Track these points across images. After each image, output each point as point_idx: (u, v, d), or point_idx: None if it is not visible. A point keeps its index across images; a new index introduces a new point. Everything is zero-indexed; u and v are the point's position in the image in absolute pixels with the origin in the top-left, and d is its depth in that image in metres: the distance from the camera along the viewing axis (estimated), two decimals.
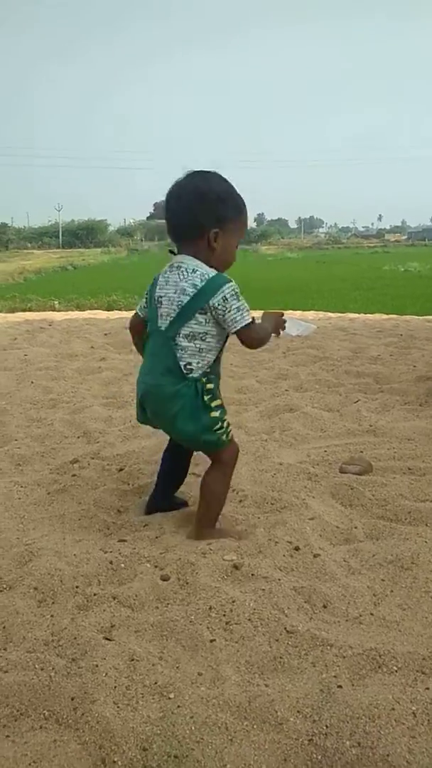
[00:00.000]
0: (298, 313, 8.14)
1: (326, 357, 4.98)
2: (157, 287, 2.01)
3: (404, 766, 1.17)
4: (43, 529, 2.18)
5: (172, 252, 2.05)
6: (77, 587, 1.78)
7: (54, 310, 9.33)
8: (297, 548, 1.96)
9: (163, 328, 1.97)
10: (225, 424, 2.03)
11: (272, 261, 26.81)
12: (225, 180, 2.02)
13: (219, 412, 2.00)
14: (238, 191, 2.04)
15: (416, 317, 7.67)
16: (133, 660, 1.46)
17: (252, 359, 5.02)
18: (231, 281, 1.94)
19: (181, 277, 1.94)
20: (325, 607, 1.69)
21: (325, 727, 1.26)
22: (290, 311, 8.23)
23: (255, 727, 1.28)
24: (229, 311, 1.91)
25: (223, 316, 1.92)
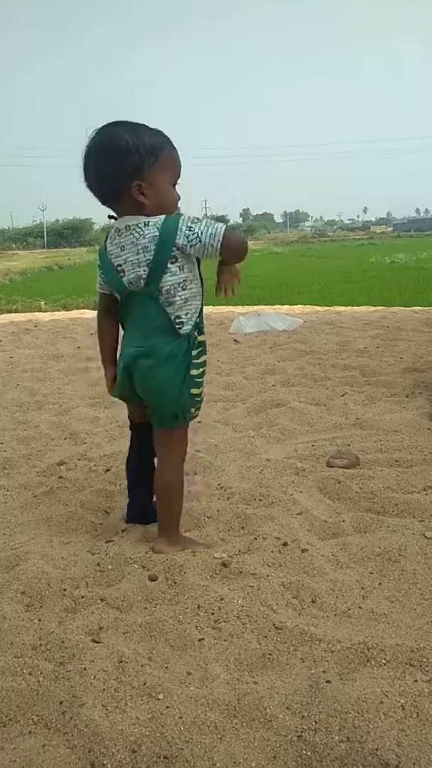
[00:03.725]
0: (285, 307, 8.15)
1: (313, 351, 4.98)
2: (112, 257, 1.87)
3: (393, 759, 1.17)
4: (29, 532, 2.17)
5: (112, 217, 1.90)
6: (65, 590, 1.77)
7: (40, 310, 9.28)
8: (285, 544, 1.96)
9: (139, 290, 1.85)
10: (201, 391, 1.94)
11: (258, 256, 26.79)
12: (129, 127, 1.82)
13: (202, 370, 1.92)
14: (156, 128, 1.86)
15: (403, 308, 7.70)
16: (121, 662, 1.46)
17: (239, 355, 5.02)
18: (181, 214, 1.82)
19: (137, 235, 1.81)
20: (313, 602, 1.70)
21: (314, 723, 1.26)
22: (277, 306, 8.24)
23: (244, 725, 1.28)
24: (203, 233, 1.78)
25: (200, 241, 1.78)
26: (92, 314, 8.33)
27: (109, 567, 1.88)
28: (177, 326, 1.86)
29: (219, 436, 3.01)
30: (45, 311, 9.19)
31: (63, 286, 13.16)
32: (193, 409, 1.95)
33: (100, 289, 1.99)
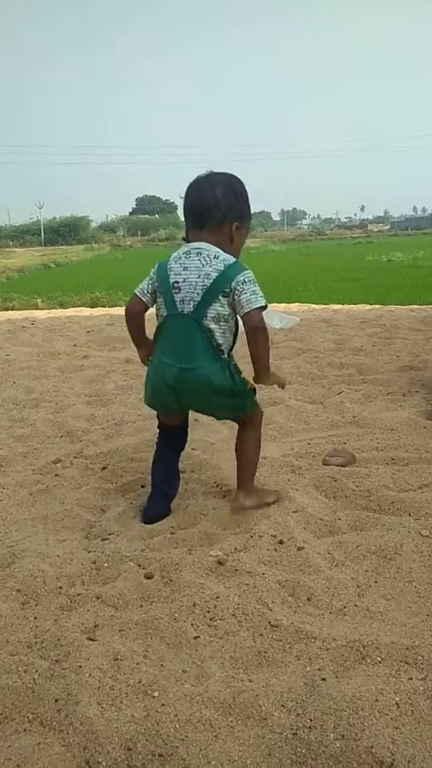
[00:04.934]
0: (282, 305, 8.14)
1: (309, 349, 4.98)
2: (172, 273, 2.04)
3: (388, 757, 1.18)
4: (25, 530, 2.16)
5: (184, 239, 2.13)
6: (60, 588, 1.77)
7: (37, 308, 9.26)
8: (281, 542, 1.96)
9: (186, 312, 2.01)
10: (253, 388, 2.16)
11: (256, 254, 26.76)
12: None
13: (250, 386, 2.15)
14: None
15: (400, 307, 7.70)
16: (117, 660, 1.46)
17: (234, 353, 5.01)
18: (249, 269, 2.03)
19: (204, 262, 2.01)
20: (309, 599, 1.70)
21: (309, 721, 1.26)
22: (274, 304, 8.23)
23: (239, 722, 1.28)
24: (244, 293, 1.98)
25: (239, 297, 1.98)
26: (88, 312, 8.34)
27: (105, 565, 1.88)
28: (219, 353, 2.05)
29: (215, 435, 3.01)
30: (42, 309, 9.17)
31: (60, 284, 13.14)
32: (255, 398, 2.20)
33: (140, 294, 2.12)
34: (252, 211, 2.22)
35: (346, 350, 4.92)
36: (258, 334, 2.03)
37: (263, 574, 1.78)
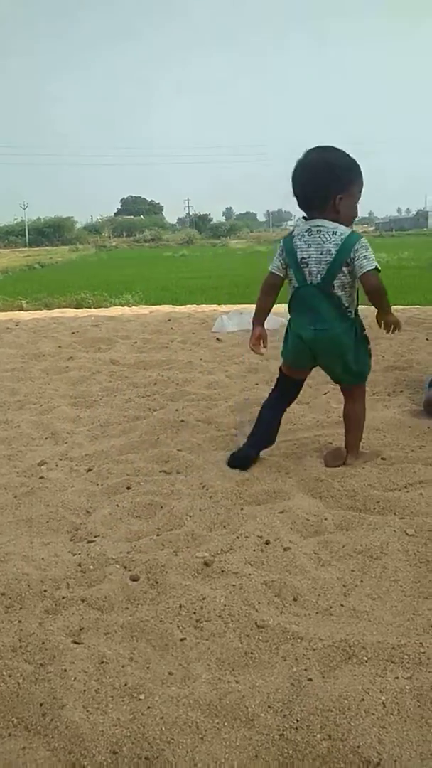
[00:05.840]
0: None
1: None
2: (299, 250, 2.34)
3: (375, 756, 1.18)
4: (9, 533, 2.14)
5: (304, 218, 2.39)
6: (45, 591, 1.76)
7: (21, 309, 9.20)
8: (267, 542, 1.96)
9: (315, 283, 2.32)
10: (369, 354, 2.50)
11: (242, 255, 26.77)
12: (341, 151, 2.36)
13: (370, 346, 2.48)
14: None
15: None
16: (102, 663, 1.45)
17: (222, 354, 5.02)
18: (362, 237, 2.31)
19: (324, 239, 2.29)
20: (295, 600, 1.70)
21: (295, 721, 1.26)
22: None
23: (226, 724, 1.28)
24: (358, 259, 2.25)
25: (355, 262, 2.26)
26: (73, 313, 8.33)
27: (90, 567, 1.87)
28: (348, 314, 2.35)
29: (202, 435, 3.01)
30: (26, 310, 9.11)
31: (45, 285, 13.05)
32: (369, 372, 2.55)
33: (276, 271, 2.46)
34: (360, 170, 2.37)
35: None
36: (374, 293, 2.30)
37: (249, 574, 1.78)
